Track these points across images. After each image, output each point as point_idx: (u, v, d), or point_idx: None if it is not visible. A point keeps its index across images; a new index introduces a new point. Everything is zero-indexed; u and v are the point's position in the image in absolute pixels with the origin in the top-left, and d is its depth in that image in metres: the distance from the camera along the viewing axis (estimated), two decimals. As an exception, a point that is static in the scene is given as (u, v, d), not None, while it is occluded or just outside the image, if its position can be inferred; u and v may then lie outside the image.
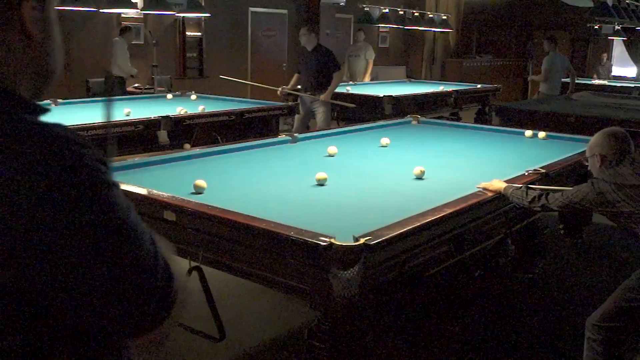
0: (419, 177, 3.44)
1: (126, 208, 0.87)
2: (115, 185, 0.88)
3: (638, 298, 2.67)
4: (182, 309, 0.97)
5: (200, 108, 5.88)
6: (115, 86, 8.15)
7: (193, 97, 7.08)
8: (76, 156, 0.82)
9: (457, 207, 2.76)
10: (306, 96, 6.94)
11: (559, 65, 8.88)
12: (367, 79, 10.15)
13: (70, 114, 5.44)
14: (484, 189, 3.08)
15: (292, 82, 7.16)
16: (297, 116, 6.85)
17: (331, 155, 4.06)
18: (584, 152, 3.05)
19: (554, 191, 2.96)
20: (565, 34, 14.85)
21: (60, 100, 6.16)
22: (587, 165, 2.99)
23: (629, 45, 14.61)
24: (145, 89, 8.75)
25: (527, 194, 2.98)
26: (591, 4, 9.71)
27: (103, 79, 8.33)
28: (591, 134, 3.07)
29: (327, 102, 6.84)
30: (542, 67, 8.93)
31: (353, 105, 6.84)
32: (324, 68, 6.78)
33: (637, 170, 2.74)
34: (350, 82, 9.42)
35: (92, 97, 7.60)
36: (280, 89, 7.15)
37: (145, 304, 0.88)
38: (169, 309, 0.92)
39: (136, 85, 8.83)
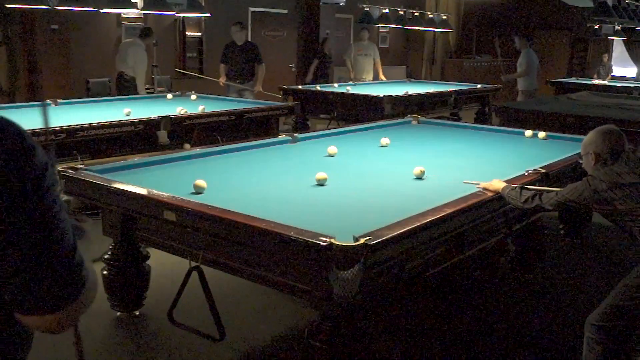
0: (419, 177, 3.44)
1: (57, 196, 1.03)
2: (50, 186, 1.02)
3: (637, 297, 2.67)
4: (88, 303, 1.08)
5: (200, 108, 5.88)
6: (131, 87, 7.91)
7: (193, 97, 7.08)
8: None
9: (457, 207, 2.76)
10: (237, 85, 7.93)
11: (535, 60, 9.36)
12: (381, 75, 10.19)
13: (70, 114, 5.44)
14: (484, 189, 3.08)
15: (222, 72, 8.06)
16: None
17: (331, 155, 4.06)
18: (583, 151, 3.04)
19: (549, 191, 2.95)
20: (565, 34, 14.85)
21: (60, 100, 6.17)
22: (582, 163, 2.99)
23: (629, 45, 14.60)
24: (146, 89, 8.73)
25: (521, 194, 2.97)
26: (591, 4, 9.70)
27: (115, 79, 8.11)
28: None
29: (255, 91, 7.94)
30: (522, 62, 9.24)
31: (280, 97, 7.81)
32: (250, 60, 8.01)
33: (633, 169, 2.73)
34: (353, 82, 9.38)
35: (92, 97, 7.59)
36: (221, 79, 8.05)
37: (58, 275, 0.99)
38: (77, 291, 1.03)
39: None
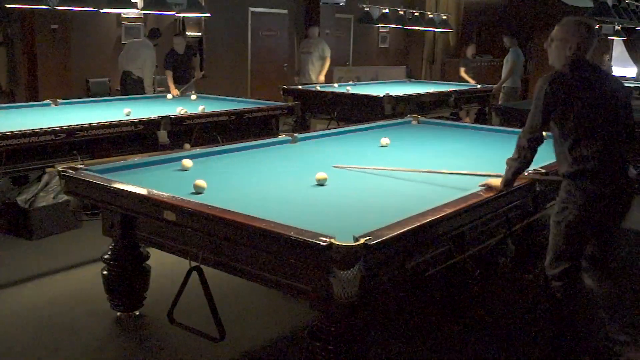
0: (321, 184, 3.27)
1: None
2: None
3: (568, 233, 2.77)
4: None
5: (200, 108, 5.88)
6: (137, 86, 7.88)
7: (193, 97, 7.09)
8: None
9: (457, 207, 2.75)
10: (187, 87, 8.16)
11: (521, 59, 9.73)
12: (322, 77, 9.36)
13: (70, 114, 5.44)
14: (485, 186, 3.07)
15: (171, 80, 8.07)
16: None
17: (185, 169, 3.56)
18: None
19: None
20: (565, 34, 14.83)
21: (60, 100, 6.17)
22: (546, 47, 2.84)
23: (629, 45, 14.60)
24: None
25: (511, 160, 2.98)
26: (591, 4, 9.71)
27: (120, 78, 8.06)
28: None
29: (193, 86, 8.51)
30: (508, 59, 9.53)
31: (203, 73, 8.85)
32: (190, 64, 8.50)
33: (599, 79, 2.65)
34: (299, 84, 8.84)
35: (92, 97, 7.59)
36: (175, 93, 7.71)
37: None
38: None
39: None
